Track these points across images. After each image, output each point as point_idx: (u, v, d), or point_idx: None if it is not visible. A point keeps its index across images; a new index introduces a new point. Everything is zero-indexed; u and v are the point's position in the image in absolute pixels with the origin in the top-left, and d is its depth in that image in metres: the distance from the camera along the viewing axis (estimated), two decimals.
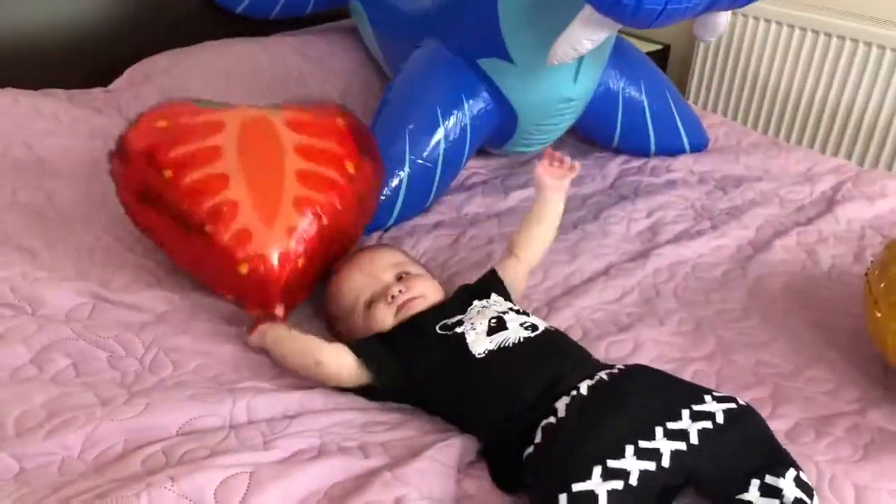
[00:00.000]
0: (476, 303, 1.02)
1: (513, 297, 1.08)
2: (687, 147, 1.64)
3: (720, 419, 0.82)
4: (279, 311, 1.04)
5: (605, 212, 1.42)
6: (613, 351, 1.06)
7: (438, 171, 1.35)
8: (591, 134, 1.62)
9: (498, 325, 0.96)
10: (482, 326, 0.96)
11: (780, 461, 0.79)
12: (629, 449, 0.76)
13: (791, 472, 0.77)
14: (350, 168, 1.11)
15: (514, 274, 1.10)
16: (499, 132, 1.45)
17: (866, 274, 1.00)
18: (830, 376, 1.01)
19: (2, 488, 0.78)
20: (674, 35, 2.60)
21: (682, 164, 1.60)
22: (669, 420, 0.81)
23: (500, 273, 1.10)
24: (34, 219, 1.25)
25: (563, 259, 1.26)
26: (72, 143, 1.51)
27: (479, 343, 0.94)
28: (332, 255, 1.11)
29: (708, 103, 2.45)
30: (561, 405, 0.85)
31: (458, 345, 0.94)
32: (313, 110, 1.17)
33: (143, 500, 0.74)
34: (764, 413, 0.94)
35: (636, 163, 1.62)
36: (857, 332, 1.06)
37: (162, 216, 1.05)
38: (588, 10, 1.05)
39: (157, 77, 1.71)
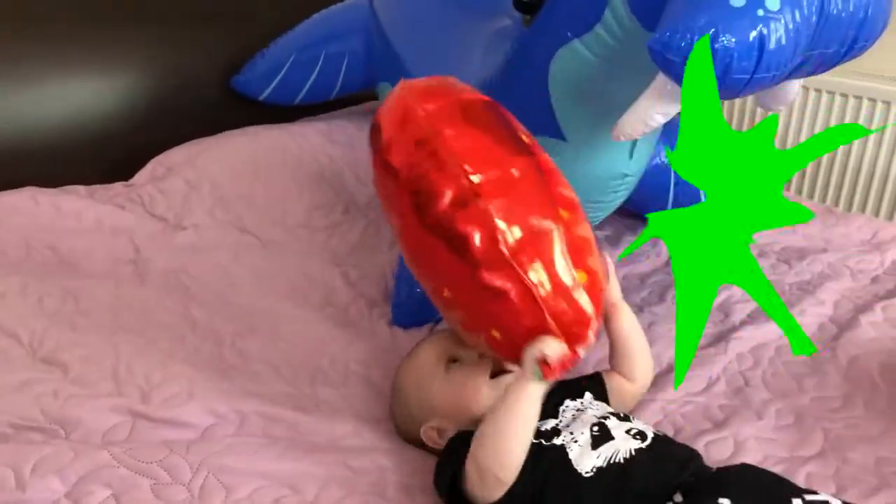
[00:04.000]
0: (569, 403, 0.92)
1: (613, 406, 0.96)
2: None
3: None
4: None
5: (670, 292, 1.33)
6: (714, 452, 0.95)
7: None
8: (642, 208, 1.54)
9: (602, 435, 0.85)
10: (584, 437, 0.85)
11: None
12: None
13: None
14: None
15: (621, 391, 0.98)
16: None
17: None
18: None
19: None
20: None
21: None
22: None
23: (607, 380, 0.99)
24: (63, 328, 1.15)
25: None
26: (95, 242, 1.43)
27: (585, 459, 0.82)
28: None
29: None
30: None
31: (561, 460, 0.83)
32: None
33: None
34: None
35: None
36: None
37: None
38: (661, 81, 0.98)
39: (180, 169, 1.64)
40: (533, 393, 0.81)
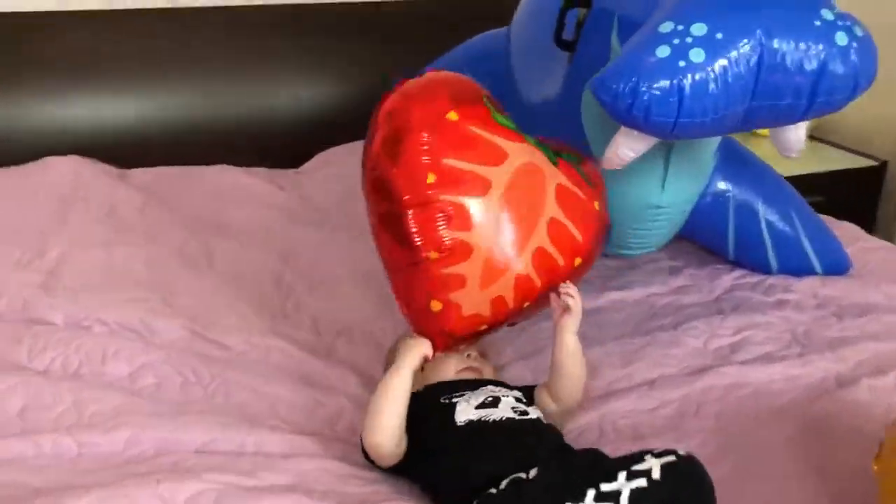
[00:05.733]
0: (489, 387, 1.07)
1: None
2: (819, 269, 1.52)
3: (656, 474, 0.81)
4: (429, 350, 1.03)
5: (690, 323, 1.37)
6: None
7: None
8: (705, 244, 1.58)
9: (491, 403, 1.01)
10: (475, 401, 1.01)
11: None
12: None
13: None
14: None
15: (543, 407, 1.07)
16: None
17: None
18: None
19: (61, 465, 1.01)
20: (892, 151, 2.39)
21: (807, 286, 1.48)
22: (604, 482, 0.82)
23: (536, 393, 1.10)
24: (189, 268, 1.54)
25: (616, 363, 1.26)
26: (251, 212, 1.82)
27: (465, 412, 0.99)
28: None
29: None
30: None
31: (446, 411, 1.00)
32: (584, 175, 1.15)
33: (129, 488, 0.91)
34: None
35: (753, 279, 1.53)
36: None
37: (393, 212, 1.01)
38: None
39: (335, 165, 2.02)
40: (401, 371, 1.00)
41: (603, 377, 1.22)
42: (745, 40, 0.95)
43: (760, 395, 1.17)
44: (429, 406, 1.03)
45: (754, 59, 0.96)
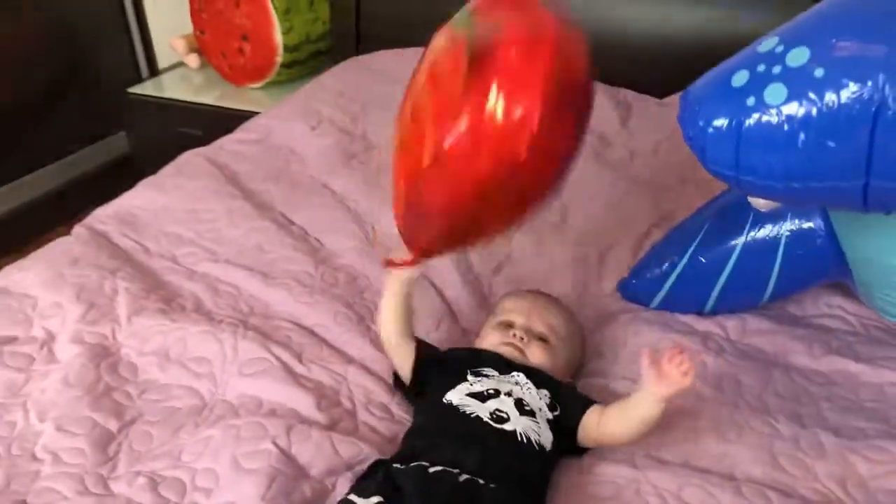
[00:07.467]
0: (523, 380, 1.01)
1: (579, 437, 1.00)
2: None
3: None
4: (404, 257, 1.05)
5: (870, 440, 0.99)
6: None
7: (723, 278, 1.18)
8: None
9: (487, 397, 0.97)
10: (480, 387, 0.99)
11: None
12: None
13: None
14: None
15: (588, 432, 0.99)
16: (840, 275, 1.13)
17: None
18: None
19: (229, 293, 1.33)
20: None
21: None
22: None
23: (592, 411, 0.99)
24: None
25: (731, 436, 1.01)
26: None
27: (455, 394, 0.98)
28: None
29: None
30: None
31: (451, 384, 1.00)
32: None
33: (226, 333, 1.17)
34: None
35: None
36: None
37: None
38: None
39: None
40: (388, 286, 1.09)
41: (704, 444, 1.00)
42: (857, 86, 0.62)
43: None
44: (455, 368, 1.03)
45: (868, 115, 0.62)
